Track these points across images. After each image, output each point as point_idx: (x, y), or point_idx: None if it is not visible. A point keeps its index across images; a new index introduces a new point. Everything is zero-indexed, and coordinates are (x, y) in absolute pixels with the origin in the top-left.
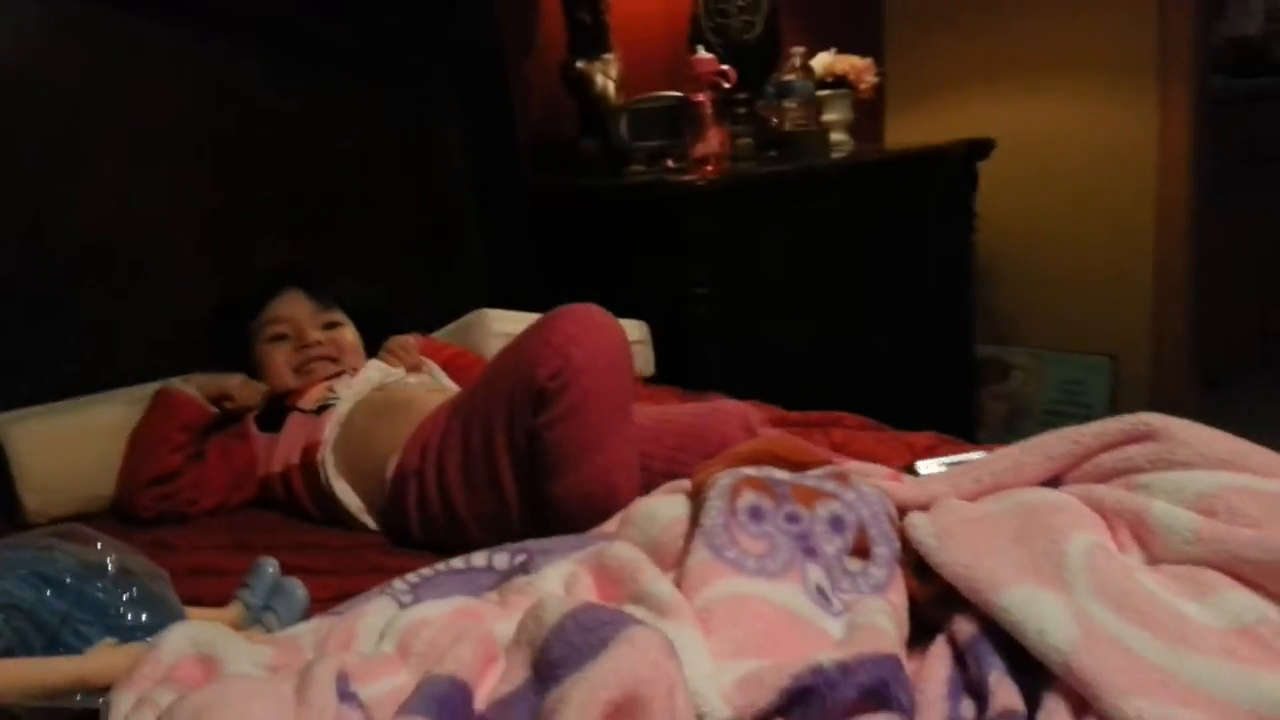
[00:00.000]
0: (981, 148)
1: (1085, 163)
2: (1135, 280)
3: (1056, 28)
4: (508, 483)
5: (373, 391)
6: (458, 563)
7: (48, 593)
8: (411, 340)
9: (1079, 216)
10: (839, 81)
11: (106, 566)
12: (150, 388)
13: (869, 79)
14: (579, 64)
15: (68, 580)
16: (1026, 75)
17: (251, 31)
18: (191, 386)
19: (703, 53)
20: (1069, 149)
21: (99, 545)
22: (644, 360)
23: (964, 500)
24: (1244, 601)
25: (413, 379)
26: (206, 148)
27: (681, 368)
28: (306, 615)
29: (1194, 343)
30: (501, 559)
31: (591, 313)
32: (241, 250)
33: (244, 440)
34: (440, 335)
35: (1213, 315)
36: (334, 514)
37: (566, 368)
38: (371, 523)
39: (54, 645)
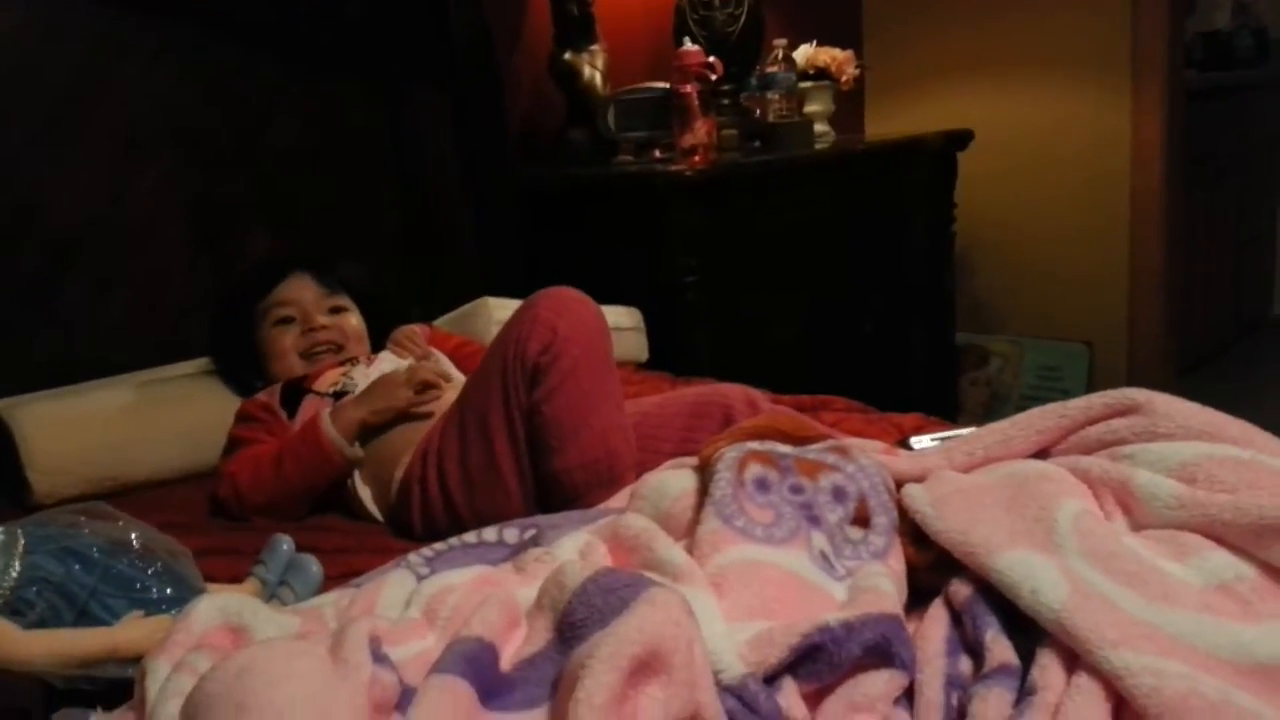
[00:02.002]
0: (960, 139)
1: (1062, 154)
2: (1111, 269)
3: (1033, 22)
4: (508, 470)
5: None
6: (470, 538)
7: (76, 567)
8: (418, 330)
9: (1056, 207)
10: (820, 73)
11: (131, 542)
12: (164, 371)
13: (850, 71)
14: (566, 55)
15: (95, 555)
16: (1003, 68)
17: (237, 26)
18: (346, 428)
19: (689, 45)
20: (1046, 141)
21: (121, 523)
22: (638, 347)
23: (957, 472)
24: (1222, 561)
25: None
26: (191, 141)
27: (671, 354)
28: (320, 591)
29: (1169, 330)
30: (512, 533)
31: (566, 290)
32: (227, 242)
33: (283, 427)
34: (441, 324)
35: (1187, 303)
36: (344, 500)
37: (555, 340)
38: (379, 515)
39: (83, 618)
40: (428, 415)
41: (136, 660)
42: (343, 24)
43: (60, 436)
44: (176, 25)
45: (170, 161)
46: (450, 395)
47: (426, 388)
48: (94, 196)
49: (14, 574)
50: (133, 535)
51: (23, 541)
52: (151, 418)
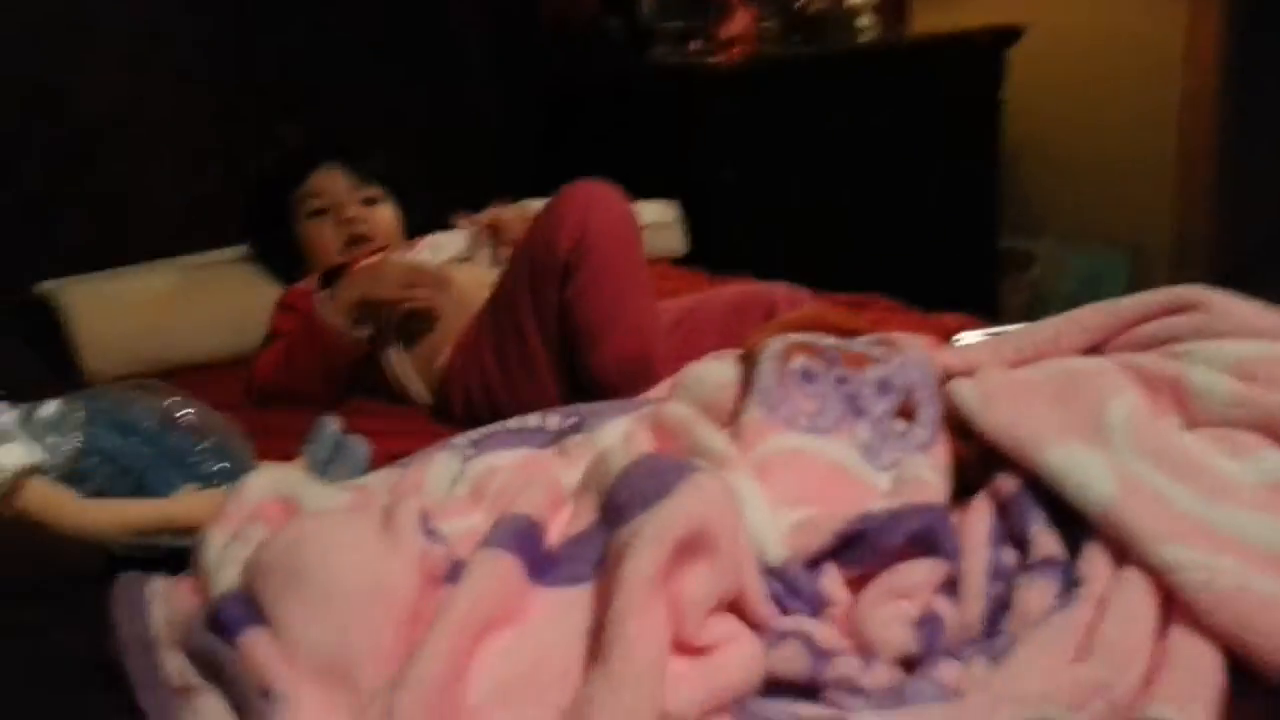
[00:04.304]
0: (1009, 35)
1: (1112, 51)
2: (1157, 172)
3: None
4: (543, 366)
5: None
6: (513, 423)
7: (134, 439)
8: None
9: (1103, 106)
10: None
11: (185, 418)
12: (208, 257)
13: None
14: None
15: (151, 429)
16: None
17: None
18: (340, 310)
19: None
20: (1096, 37)
21: (176, 399)
22: (676, 240)
23: (1006, 367)
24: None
25: (464, 266)
26: (220, 26)
27: (707, 249)
28: (367, 472)
29: (1215, 238)
30: (554, 420)
31: (594, 185)
32: (255, 127)
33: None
34: None
35: (1240, 210)
36: (385, 381)
37: (585, 236)
38: (425, 394)
39: (139, 489)
40: (428, 313)
41: (191, 532)
42: None
43: (108, 318)
44: None
45: (194, 45)
46: (481, 295)
47: (413, 286)
48: (118, 81)
49: (75, 444)
50: (186, 411)
51: (83, 413)
52: (197, 302)
